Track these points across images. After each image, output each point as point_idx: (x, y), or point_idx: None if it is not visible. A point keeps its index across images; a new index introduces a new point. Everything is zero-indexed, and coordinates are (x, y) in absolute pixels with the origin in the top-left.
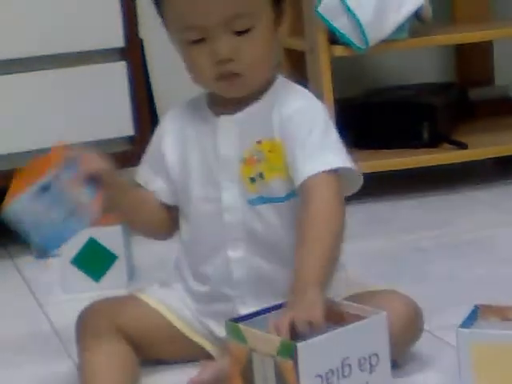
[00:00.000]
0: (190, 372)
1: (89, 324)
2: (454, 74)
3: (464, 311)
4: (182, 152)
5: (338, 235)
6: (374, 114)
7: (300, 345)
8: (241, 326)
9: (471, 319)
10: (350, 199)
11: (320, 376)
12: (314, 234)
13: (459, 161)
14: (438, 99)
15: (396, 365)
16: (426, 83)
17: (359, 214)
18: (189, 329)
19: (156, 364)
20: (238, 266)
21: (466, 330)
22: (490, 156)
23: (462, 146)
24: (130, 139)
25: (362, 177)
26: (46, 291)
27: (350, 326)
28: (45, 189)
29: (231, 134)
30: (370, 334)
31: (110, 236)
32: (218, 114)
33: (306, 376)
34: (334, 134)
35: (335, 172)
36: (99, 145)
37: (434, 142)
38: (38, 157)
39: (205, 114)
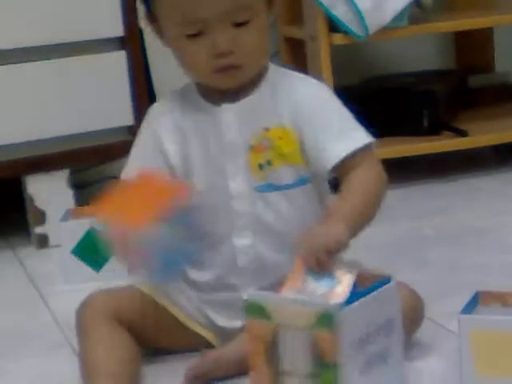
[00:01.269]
0: (191, 360)
1: (88, 315)
2: (454, 61)
3: (465, 298)
4: (181, 146)
5: (377, 195)
6: (373, 102)
7: (342, 312)
8: (265, 302)
9: (472, 305)
10: None
11: (356, 342)
12: (353, 188)
13: (459, 148)
14: (437, 86)
15: None
16: (426, 70)
17: None
18: (188, 318)
19: (157, 353)
20: (243, 253)
21: (466, 316)
22: (490, 143)
23: (462, 133)
24: (130, 129)
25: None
26: (46, 282)
27: (379, 291)
28: (182, 219)
29: (235, 121)
30: (390, 299)
31: None
32: (215, 103)
33: (344, 343)
34: (348, 112)
35: (368, 147)
36: (98, 135)
37: (434, 130)
38: (122, 185)
39: (199, 103)
